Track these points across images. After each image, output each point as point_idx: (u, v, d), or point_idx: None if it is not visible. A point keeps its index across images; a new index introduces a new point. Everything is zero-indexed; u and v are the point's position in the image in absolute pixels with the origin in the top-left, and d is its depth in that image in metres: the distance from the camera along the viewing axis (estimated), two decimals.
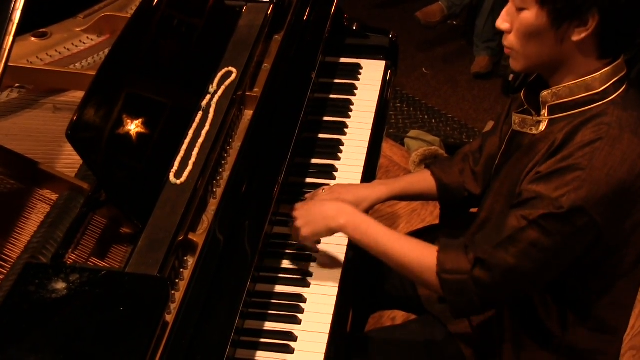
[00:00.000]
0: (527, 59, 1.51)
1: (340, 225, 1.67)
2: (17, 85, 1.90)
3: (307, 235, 1.70)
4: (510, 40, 1.51)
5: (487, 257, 1.50)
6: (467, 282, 1.52)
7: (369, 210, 1.89)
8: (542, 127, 1.54)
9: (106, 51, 1.97)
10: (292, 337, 1.62)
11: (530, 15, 1.45)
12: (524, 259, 1.47)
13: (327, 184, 1.94)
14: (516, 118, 1.61)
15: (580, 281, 1.58)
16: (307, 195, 1.91)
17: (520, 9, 1.46)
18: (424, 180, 1.92)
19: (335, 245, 1.82)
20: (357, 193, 1.86)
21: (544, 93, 1.53)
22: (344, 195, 1.84)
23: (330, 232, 1.70)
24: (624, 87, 1.49)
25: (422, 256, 1.58)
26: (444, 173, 1.90)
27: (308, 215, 1.71)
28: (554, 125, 1.52)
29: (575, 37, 1.43)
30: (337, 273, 1.76)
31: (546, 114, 1.54)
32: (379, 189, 1.89)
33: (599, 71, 1.47)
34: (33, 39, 2.01)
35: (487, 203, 1.71)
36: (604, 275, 1.57)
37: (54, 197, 1.61)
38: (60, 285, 1.34)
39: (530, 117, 1.57)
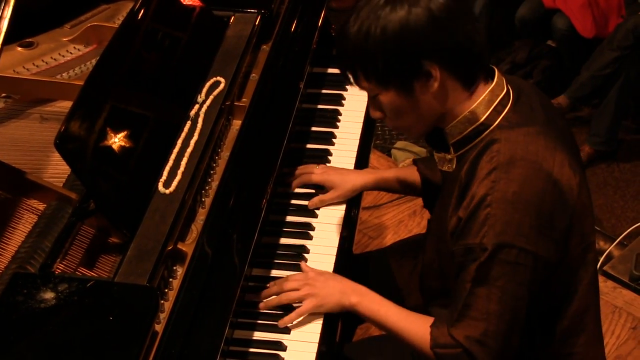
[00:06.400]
0: (415, 128, 1.57)
1: (352, 304, 1.64)
2: (3, 95, 1.89)
3: (310, 307, 1.63)
4: (390, 123, 1.55)
5: (460, 336, 1.49)
6: (462, 356, 1.50)
7: (353, 194, 1.94)
8: (454, 164, 1.57)
9: (93, 61, 1.96)
10: (281, 346, 1.61)
11: (384, 97, 1.49)
12: (490, 317, 1.47)
13: (315, 194, 1.94)
14: (436, 157, 1.64)
15: (542, 297, 1.56)
16: (300, 171, 1.96)
17: (374, 97, 1.50)
18: (411, 175, 1.96)
19: (324, 255, 1.81)
20: (345, 176, 1.93)
21: (444, 132, 1.55)
22: (333, 176, 1.92)
23: (341, 309, 1.65)
24: (508, 106, 1.51)
25: (423, 332, 1.56)
26: (430, 170, 1.93)
27: (318, 285, 1.65)
28: (460, 162, 1.54)
29: (432, 89, 1.46)
30: None
31: (453, 152, 1.56)
32: (366, 177, 1.96)
33: (474, 102, 1.49)
34: (19, 48, 2.00)
35: (429, 243, 1.73)
36: (561, 284, 1.57)
37: (42, 207, 1.60)
38: (49, 295, 1.34)
39: (443, 156, 1.60)
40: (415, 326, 1.59)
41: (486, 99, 1.50)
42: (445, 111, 1.51)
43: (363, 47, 1.44)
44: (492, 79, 1.52)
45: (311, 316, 1.68)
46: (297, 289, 1.65)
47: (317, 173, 1.94)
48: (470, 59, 1.47)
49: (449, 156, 1.58)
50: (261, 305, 1.67)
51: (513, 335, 1.52)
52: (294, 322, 1.64)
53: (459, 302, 1.50)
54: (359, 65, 1.48)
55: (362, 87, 1.52)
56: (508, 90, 1.53)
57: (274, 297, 1.67)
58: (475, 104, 1.50)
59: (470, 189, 1.46)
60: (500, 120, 1.49)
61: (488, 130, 1.49)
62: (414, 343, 1.59)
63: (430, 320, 1.59)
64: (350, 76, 1.52)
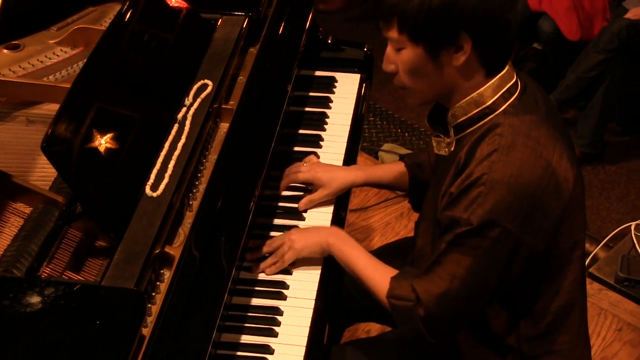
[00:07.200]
0: (421, 93, 1.57)
1: (329, 244, 1.75)
2: None
3: (299, 247, 1.76)
4: (399, 80, 1.56)
5: (421, 288, 1.53)
6: (413, 310, 1.55)
7: (342, 192, 1.96)
8: (452, 147, 1.58)
9: (80, 64, 1.95)
10: (269, 350, 1.61)
11: (408, 53, 1.50)
12: (454, 281, 1.50)
13: (303, 195, 1.94)
14: (434, 142, 1.66)
15: (527, 289, 1.59)
16: (288, 171, 1.97)
17: (398, 49, 1.51)
18: (398, 171, 1.99)
19: (312, 258, 1.81)
20: (333, 173, 1.95)
21: (448, 115, 1.57)
22: (320, 173, 1.93)
23: (319, 248, 1.76)
24: (515, 95, 1.53)
25: (382, 280, 1.63)
26: (417, 166, 1.96)
27: (297, 236, 1.78)
28: (459, 145, 1.55)
29: (457, 62, 1.47)
30: (314, 285, 1.76)
31: (453, 135, 1.57)
32: (354, 173, 1.97)
33: (483, 85, 1.51)
34: (5, 51, 1.98)
35: (421, 228, 1.75)
36: (547, 277, 1.59)
37: (28, 210, 1.59)
38: (35, 299, 1.33)
39: (442, 139, 1.61)
40: (379, 274, 1.66)
41: (495, 84, 1.51)
42: (457, 88, 1.52)
43: None
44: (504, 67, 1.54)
45: (299, 318, 1.69)
46: (281, 245, 1.77)
47: (304, 171, 1.95)
48: (502, 46, 1.49)
49: (448, 139, 1.59)
50: (260, 267, 1.78)
51: (470, 307, 1.55)
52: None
53: (431, 259, 1.54)
54: (398, 14, 1.46)
55: (387, 36, 1.51)
56: (516, 80, 1.55)
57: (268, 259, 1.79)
58: (484, 87, 1.51)
59: (468, 167, 1.48)
60: (506, 106, 1.51)
61: (493, 115, 1.51)
62: (373, 289, 1.65)
63: (391, 271, 1.65)
64: (380, 22, 1.51)
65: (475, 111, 1.52)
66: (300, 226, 1.89)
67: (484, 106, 1.52)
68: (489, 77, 1.51)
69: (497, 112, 1.51)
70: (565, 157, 1.50)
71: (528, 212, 1.46)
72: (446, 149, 1.60)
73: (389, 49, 1.54)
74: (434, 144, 1.65)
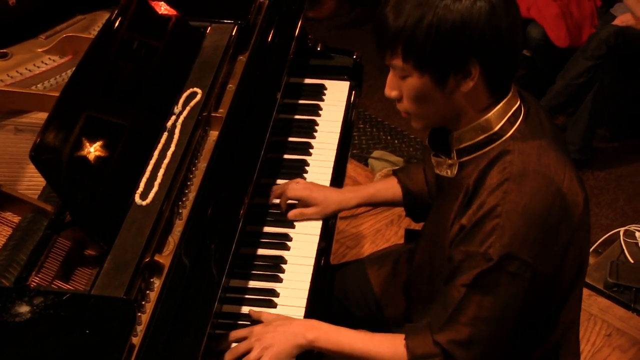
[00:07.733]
0: (426, 119, 1.53)
1: (310, 341, 1.58)
2: None
3: (276, 353, 1.56)
4: (403, 106, 1.52)
5: (445, 340, 1.49)
6: None
7: (334, 214, 1.95)
8: (455, 170, 1.56)
9: (69, 72, 1.95)
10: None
11: (414, 80, 1.45)
12: (478, 323, 1.47)
13: (294, 205, 1.94)
14: (433, 161, 1.63)
15: (530, 309, 1.56)
16: (277, 186, 1.96)
17: (403, 77, 1.46)
18: (392, 187, 1.96)
19: (301, 266, 1.82)
20: (328, 195, 1.93)
21: (451, 137, 1.54)
22: (315, 193, 1.92)
23: (300, 350, 1.58)
24: (520, 118, 1.50)
25: (395, 349, 1.55)
26: (410, 180, 1.94)
27: (268, 337, 1.57)
28: (464, 169, 1.53)
29: (464, 88, 1.44)
30: (304, 293, 1.76)
31: (455, 157, 1.55)
32: (348, 196, 1.96)
33: (490, 111, 1.48)
34: None
35: (421, 246, 1.73)
36: (551, 297, 1.58)
37: (17, 219, 1.59)
38: (24, 309, 1.32)
39: (443, 160, 1.59)
40: (386, 345, 1.57)
41: (501, 110, 1.48)
42: (463, 113, 1.49)
43: (416, 26, 1.38)
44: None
45: None
46: (249, 349, 1.57)
47: (299, 188, 1.93)
48: (509, 69, 1.46)
49: (450, 161, 1.56)
50: None
51: (496, 343, 1.52)
52: None
53: (448, 307, 1.48)
54: (403, 42, 1.40)
55: (391, 64, 1.46)
56: (520, 103, 1.52)
57: None
58: (491, 113, 1.48)
59: (478, 197, 1.45)
60: (513, 131, 1.49)
61: (500, 141, 1.48)
62: None
63: (396, 335, 1.57)
64: (383, 50, 1.45)
65: (481, 137, 1.49)
66: (289, 234, 1.89)
67: (492, 132, 1.49)
68: (494, 102, 1.48)
69: (505, 138, 1.48)
70: (575, 180, 1.48)
71: (541, 240, 1.44)
72: (448, 171, 1.57)
73: (392, 76, 1.49)
74: (434, 164, 1.62)
